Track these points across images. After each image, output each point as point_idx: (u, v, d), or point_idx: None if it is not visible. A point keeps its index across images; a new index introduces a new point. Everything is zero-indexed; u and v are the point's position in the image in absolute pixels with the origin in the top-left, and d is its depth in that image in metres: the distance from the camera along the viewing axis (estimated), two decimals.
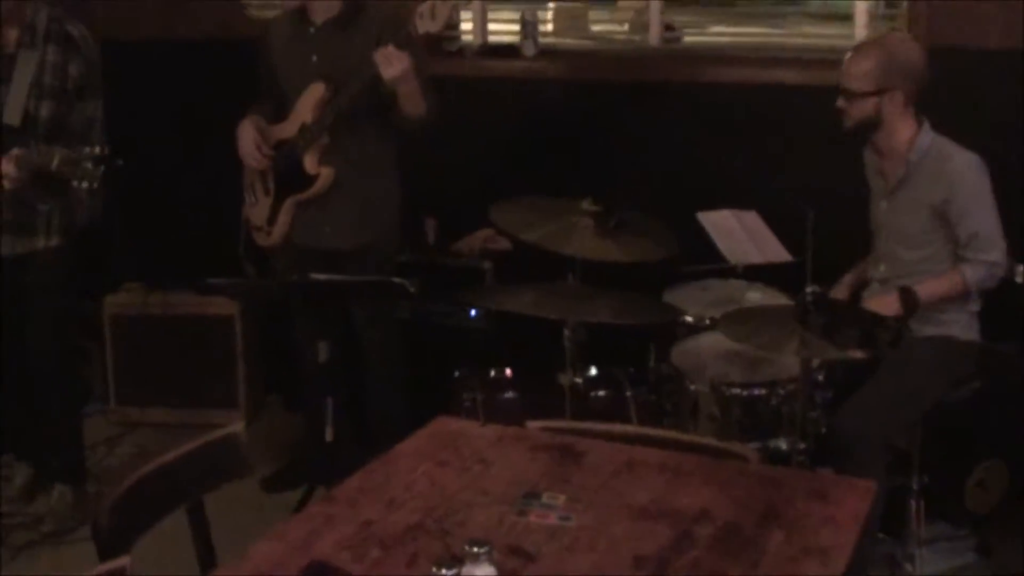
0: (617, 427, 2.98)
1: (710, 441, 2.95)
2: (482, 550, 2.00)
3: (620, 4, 7.13)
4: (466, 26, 5.27)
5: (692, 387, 3.84)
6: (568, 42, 5.62)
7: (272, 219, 4.33)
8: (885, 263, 3.89)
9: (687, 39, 5.25)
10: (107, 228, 4.80)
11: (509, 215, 3.99)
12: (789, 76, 4.66)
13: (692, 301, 4.11)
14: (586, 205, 3.83)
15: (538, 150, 4.95)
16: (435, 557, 2.12)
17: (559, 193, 4.00)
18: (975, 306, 3.78)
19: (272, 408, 5.40)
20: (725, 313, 3.71)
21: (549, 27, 6.01)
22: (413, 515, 2.40)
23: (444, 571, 1.98)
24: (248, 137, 4.25)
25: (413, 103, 4.03)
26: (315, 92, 4.14)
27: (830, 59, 4.71)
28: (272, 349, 5.28)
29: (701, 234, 4.22)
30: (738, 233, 4.27)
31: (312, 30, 4.20)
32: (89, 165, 3.81)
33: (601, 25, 6.31)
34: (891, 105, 3.71)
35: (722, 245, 4.21)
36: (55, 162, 3.85)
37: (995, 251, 3.67)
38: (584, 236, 3.76)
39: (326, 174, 4.19)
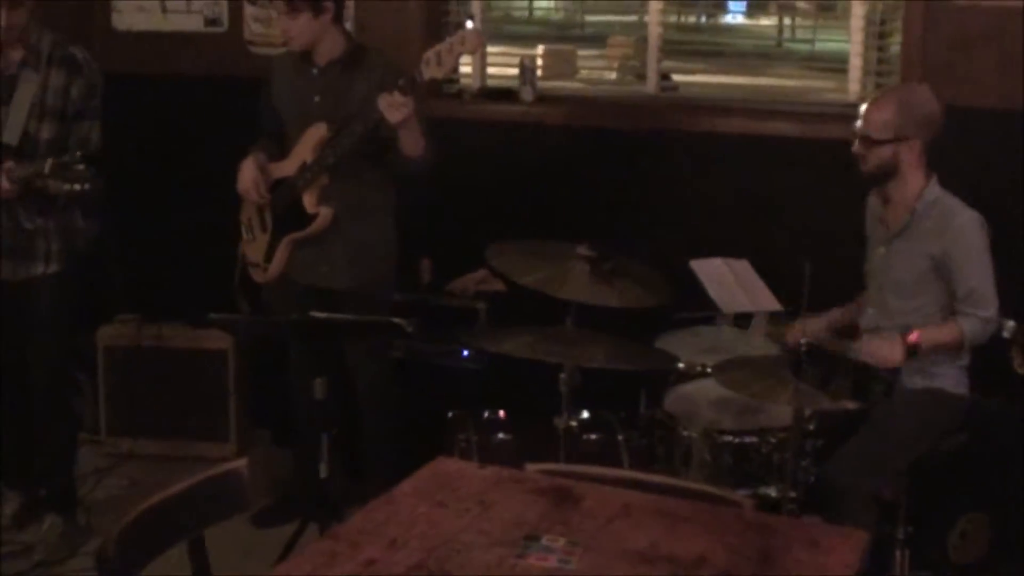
0: (616, 471, 3.02)
1: (706, 487, 2.99)
2: None
3: (610, 44, 7.22)
4: (464, 68, 5.33)
5: (684, 433, 3.88)
6: (563, 85, 5.69)
7: (269, 256, 4.37)
8: (875, 309, 3.95)
9: (676, 79, 5.32)
10: (102, 259, 4.83)
11: (505, 257, 4.03)
12: (784, 128, 4.74)
13: (684, 348, 4.14)
14: (582, 250, 3.86)
15: (534, 194, 5.01)
16: None
17: (554, 237, 4.05)
18: (965, 360, 3.84)
19: (261, 442, 5.42)
20: (719, 361, 3.76)
21: (538, 69, 6.06)
22: (414, 555, 2.43)
23: None
24: (249, 174, 4.30)
25: (413, 145, 4.09)
26: (316, 132, 4.19)
27: (826, 112, 4.82)
28: (263, 384, 5.31)
29: (694, 281, 4.28)
30: (730, 282, 4.32)
31: (315, 71, 4.26)
32: (80, 167, 3.84)
33: (590, 65, 6.39)
34: (908, 154, 3.79)
35: (714, 293, 4.26)
36: (47, 167, 3.88)
37: (991, 307, 3.73)
38: (580, 281, 3.81)
39: (325, 213, 4.24)
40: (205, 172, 4.89)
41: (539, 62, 6.10)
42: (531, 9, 6.21)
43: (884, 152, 3.79)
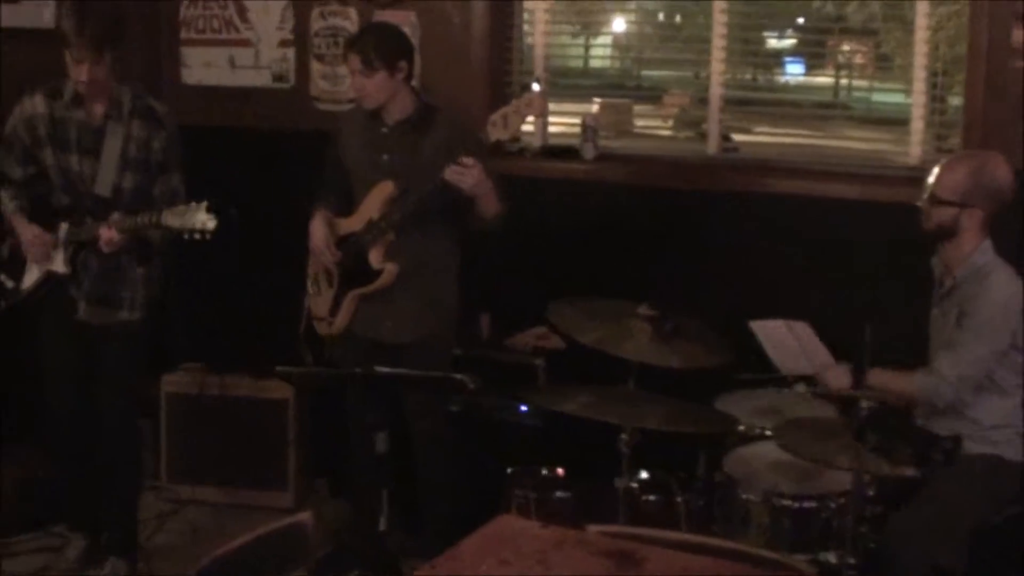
0: (677, 535, 3.03)
1: (765, 553, 3.00)
2: None
3: (666, 101, 7.26)
4: (526, 127, 5.38)
5: (743, 496, 3.88)
6: (624, 144, 5.73)
7: (334, 310, 4.43)
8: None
9: (736, 138, 5.35)
10: (167, 307, 4.91)
11: (566, 315, 4.06)
12: (845, 190, 4.76)
13: (744, 409, 4.16)
14: (643, 310, 3.89)
15: (594, 251, 5.05)
16: None
17: (614, 295, 4.08)
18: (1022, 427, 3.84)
19: (319, 492, 5.46)
20: (778, 424, 3.77)
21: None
22: None
23: None
24: (320, 234, 4.38)
25: (489, 205, 4.16)
26: (384, 190, 4.26)
27: (886, 175, 4.83)
28: (321, 434, 5.36)
29: (754, 343, 4.29)
30: (790, 343, 4.31)
31: (384, 130, 4.33)
32: (202, 215, 3.93)
33: (646, 123, 6.41)
34: (969, 220, 3.81)
35: (774, 355, 4.26)
36: (165, 218, 3.99)
37: (957, 370, 3.73)
38: (640, 340, 3.83)
39: (390, 269, 4.30)
40: (271, 224, 4.97)
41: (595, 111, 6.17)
42: (586, 62, 6.25)
43: (947, 213, 3.82)
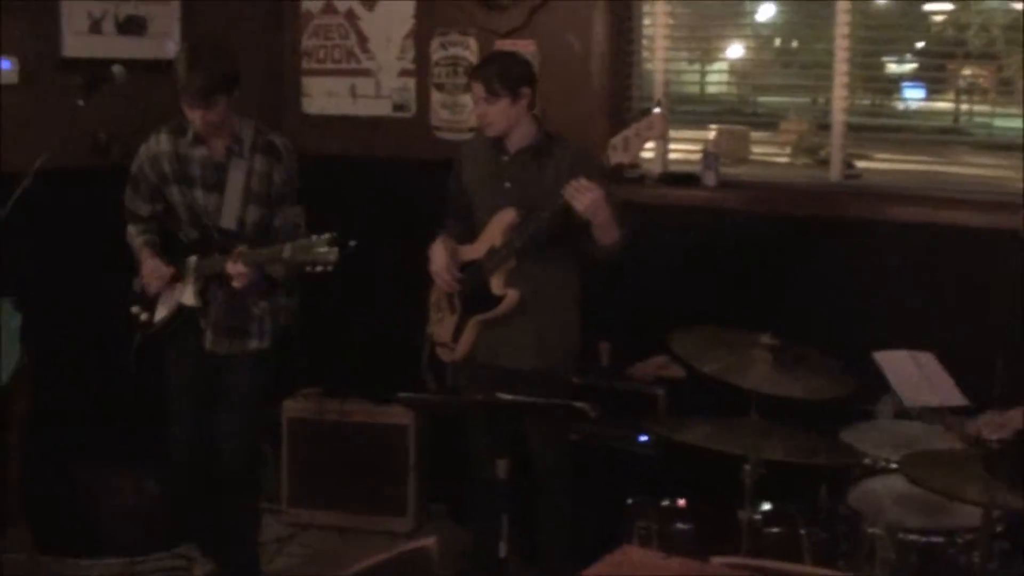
0: (803, 568, 3.00)
1: None
2: None
3: (783, 127, 7.20)
4: (646, 152, 5.38)
5: (869, 530, 3.81)
6: (742, 171, 5.70)
7: (456, 336, 4.45)
8: None
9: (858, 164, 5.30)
10: (288, 334, 4.98)
11: (687, 344, 4.03)
12: (969, 218, 4.67)
13: (868, 441, 4.09)
14: (765, 339, 3.85)
15: (714, 280, 5.02)
16: None
17: (734, 324, 4.06)
18: None
19: (438, 517, 5.49)
20: (904, 455, 3.70)
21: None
22: None
23: None
24: (441, 259, 4.40)
25: (607, 232, 4.14)
26: (505, 217, 4.28)
27: (1010, 201, 4.73)
28: (441, 460, 5.39)
29: (878, 373, 4.23)
30: (915, 374, 4.26)
31: (506, 158, 4.35)
32: (323, 249, 3.98)
33: (763, 149, 6.38)
34: None
35: (898, 386, 4.20)
36: (287, 252, 4.03)
37: None
38: (762, 370, 3.80)
39: (511, 296, 4.31)
40: (392, 252, 5.03)
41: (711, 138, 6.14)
42: (703, 88, 6.22)
43: None
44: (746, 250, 5.01)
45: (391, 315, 5.23)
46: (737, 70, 5.84)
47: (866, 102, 5.49)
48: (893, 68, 5.60)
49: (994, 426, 3.78)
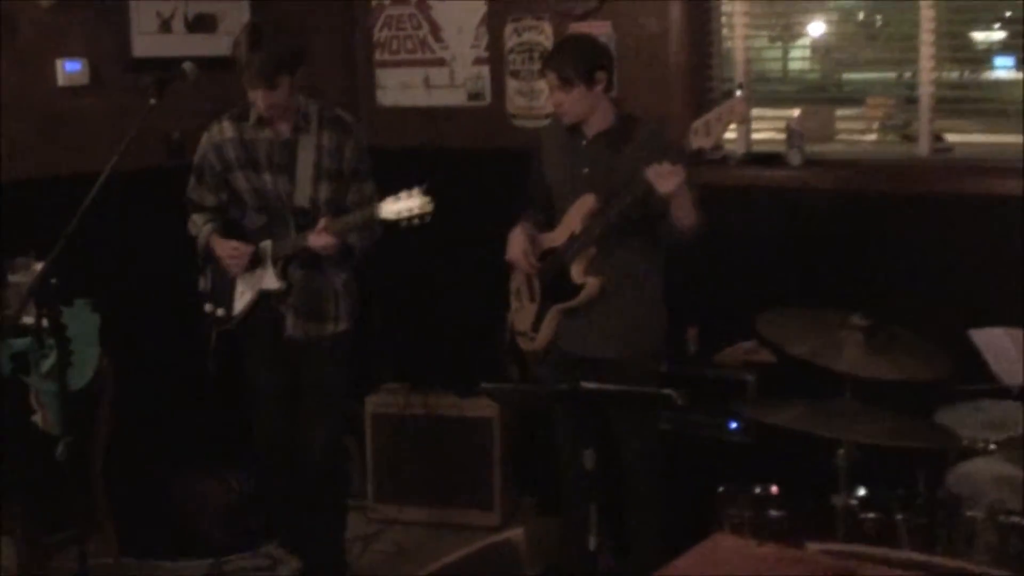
0: (901, 553, 2.90)
1: (993, 572, 2.84)
2: None
3: (869, 103, 7.04)
4: (728, 134, 5.28)
5: (969, 514, 3.69)
6: (826, 148, 5.58)
7: (537, 325, 4.39)
8: None
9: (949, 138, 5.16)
10: (370, 327, 4.95)
11: (776, 327, 3.96)
12: None
13: (965, 423, 3.98)
14: (856, 320, 3.75)
15: (801, 260, 4.91)
16: None
17: (824, 305, 3.95)
18: None
19: (525, 510, 5.43)
20: (1003, 437, 3.58)
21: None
22: None
23: None
24: (518, 244, 4.34)
25: (685, 215, 4.05)
26: (585, 203, 4.21)
27: None
28: (527, 451, 5.33)
29: (974, 352, 4.10)
30: (1012, 352, 4.13)
31: (584, 143, 4.27)
32: (418, 199, 3.99)
33: (849, 126, 6.25)
34: None
35: (995, 364, 4.08)
36: (380, 210, 4.04)
37: None
38: (855, 352, 3.70)
39: (592, 284, 4.24)
40: (470, 243, 4.97)
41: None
42: (785, 67, 6.11)
43: None
44: (833, 229, 4.89)
45: (471, 307, 5.17)
46: (820, 47, 5.71)
47: (954, 75, 5.35)
48: (981, 39, 5.46)
49: None
